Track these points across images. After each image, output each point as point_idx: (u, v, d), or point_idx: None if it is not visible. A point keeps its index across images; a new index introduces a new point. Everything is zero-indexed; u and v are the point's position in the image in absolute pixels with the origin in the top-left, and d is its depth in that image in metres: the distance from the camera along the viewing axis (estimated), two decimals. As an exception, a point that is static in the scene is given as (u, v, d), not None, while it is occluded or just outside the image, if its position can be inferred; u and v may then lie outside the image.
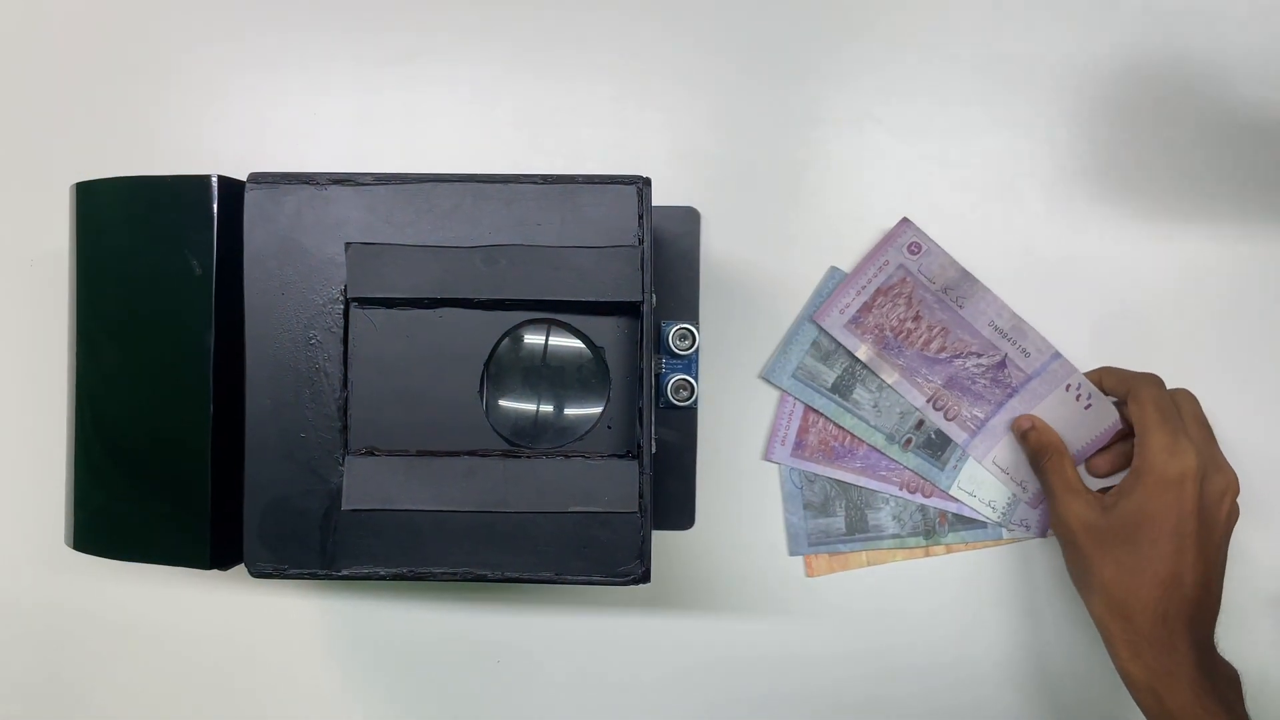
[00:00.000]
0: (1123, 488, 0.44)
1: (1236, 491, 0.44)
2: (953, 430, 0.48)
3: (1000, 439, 0.48)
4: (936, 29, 0.49)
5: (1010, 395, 0.48)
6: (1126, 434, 0.47)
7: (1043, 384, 0.48)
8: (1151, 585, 0.42)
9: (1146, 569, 0.42)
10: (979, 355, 0.48)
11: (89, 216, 0.43)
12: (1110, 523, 0.43)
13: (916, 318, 0.48)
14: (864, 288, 0.48)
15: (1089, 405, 0.47)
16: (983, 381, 0.48)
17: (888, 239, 0.48)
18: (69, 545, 0.44)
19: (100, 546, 0.43)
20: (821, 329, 0.48)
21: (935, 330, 0.48)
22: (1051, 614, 0.49)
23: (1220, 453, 0.45)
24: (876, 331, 0.48)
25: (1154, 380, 0.45)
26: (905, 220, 0.48)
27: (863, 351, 0.48)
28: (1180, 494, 0.42)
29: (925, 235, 0.48)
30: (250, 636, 0.51)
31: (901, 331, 0.48)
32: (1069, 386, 0.48)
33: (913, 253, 0.47)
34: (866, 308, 0.48)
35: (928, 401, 0.48)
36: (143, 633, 0.51)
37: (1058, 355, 0.48)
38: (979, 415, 0.48)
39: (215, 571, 0.42)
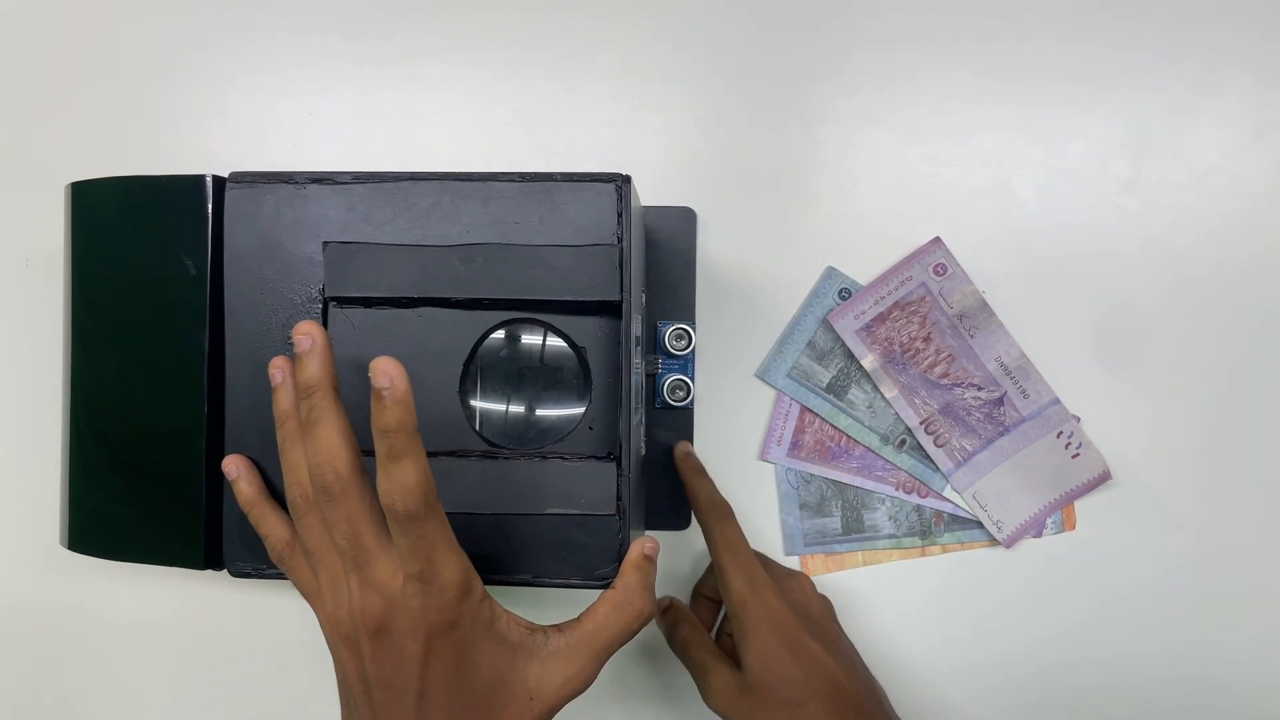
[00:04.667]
0: (736, 638, 0.43)
1: (812, 584, 0.46)
2: (939, 457, 0.48)
3: (984, 474, 0.48)
4: (934, 30, 0.49)
5: (1002, 433, 0.48)
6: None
7: (1035, 427, 0.48)
8: (822, 716, 0.41)
9: (807, 703, 0.41)
10: (979, 388, 0.48)
11: (84, 216, 0.43)
12: (753, 686, 0.42)
13: (927, 339, 0.48)
14: (883, 298, 0.48)
15: (1077, 454, 0.47)
16: (978, 415, 0.48)
17: (916, 255, 0.48)
18: (64, 545, 0.44)
19: (95, 547, 0.43)
20: (833, 330, 0.48)
21: (942, 355, 0.48)
22: (1048, 613, 0.49)
23: (779, 567, 0.48)
24: (886, 344, 0.48)
25: (719, 514, 0.45)
26: (937, 239, 0.48)
27: (869, 361, 0.48)
28: (778, 620, 0.42)
29: (953, 258, 0.47)
30: (245, 636, 0.51)
31: (910, 349, 0.48)
32: (1060, 433, 0.48)
33: (938, 274, 0.47)
34: (881, 318, 0.48)
35: (921, 424, 0.48)
36: (138, 633, 0.51)
37: (1056, 401, 0.48)
38: (968, 447, 0.48)
39: (210, 571, 0.42)
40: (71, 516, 0.44)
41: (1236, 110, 0.48)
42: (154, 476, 0.42)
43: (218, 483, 0.41)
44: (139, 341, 0.42)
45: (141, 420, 0.42)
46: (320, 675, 0.51)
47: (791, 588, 0.45)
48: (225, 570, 0.42)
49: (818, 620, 0.44)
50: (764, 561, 0.47)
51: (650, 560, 0.38)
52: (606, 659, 0.37)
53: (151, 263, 0.41)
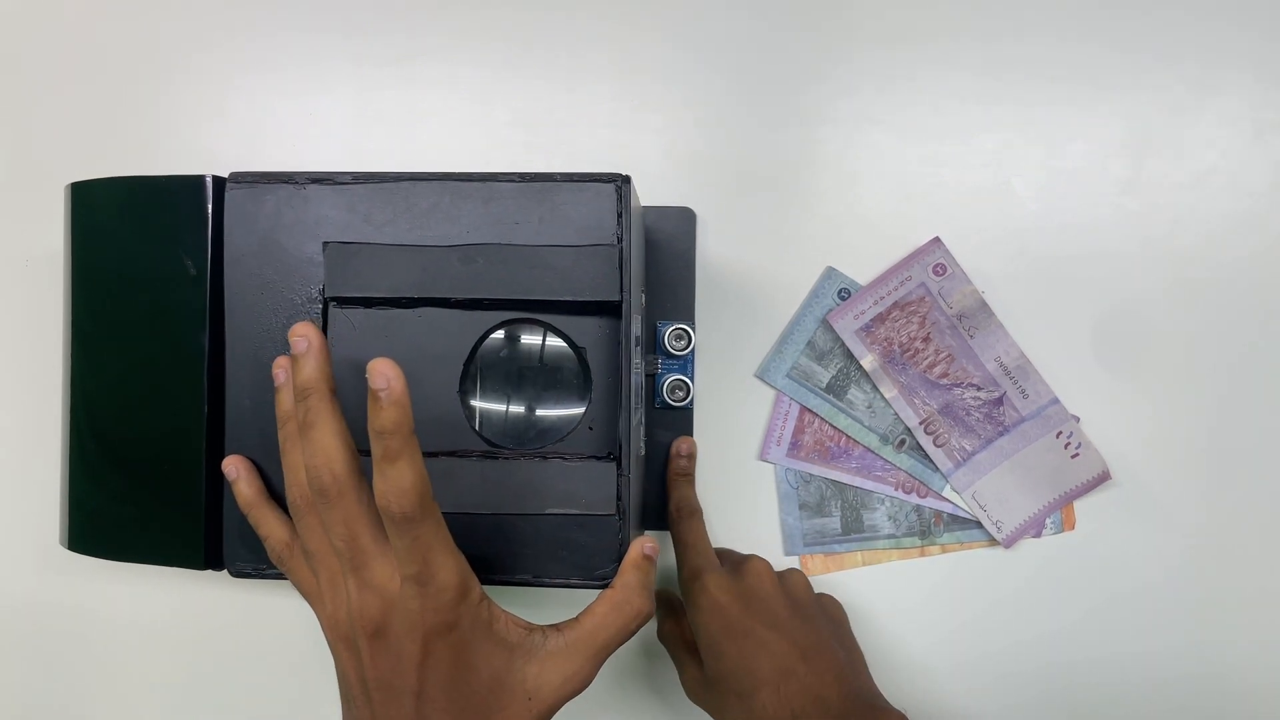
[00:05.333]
0: (693, 633, 0.44)
1: (767, 565, 0.45)
2: (939, 457, 0.48)
3: (983, 474, 0.48)
4: (934, 30, 0.49)
5: (1002, 434, 0.48)
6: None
7: (1035, 427, 0.48)
8: (771, 704, 0.41)
9: (755, 693, 0.41)
10: (979, 388, 0.48)
11: (84, 216, 0.43)
12: (710, 680, 0.43)
13: (926, 339, 0.48)
14: (883, 298, 0.48)
15: (1076, 454, 0.47)
16: (977, 415, 0.48)
17: (915, 255, 0.48)
18: (64, 546, 0.44)
19: (95, 547, 0.43)
20: (832, 330, 0.48)
21: (942, 355, 0.48)
22: (1047, 612, 0.49)
23: (734, 556, 0.47)
24: (885, 344, 0.48)
25: (685, 513, 0.46)
26: (936, 240, 0.48)
27: (868, 361, 0.48)
28: (719, 611, 0.42)
29: (953, 258, 0.47)
30: (245, 636, 0.51)
31: (909, 350, 0.48)
32: (1060, 433, 0.48)
33: (937, 274, 0.47)
34: (880, 319, 0.48)
35: (920, 424, 0.48)
36: (138, 633, 0.51)
37: (1055, 401, 0.48)
38: (967, 447, 0.48)
39: (210, 571, 0.42)
40: (71, 516, 0.44)
41: (1236, 110, 0.48)
42: (154, 476, 0.42)
43: (218, 483, 0.41)
44: (139, 341, 0.42)
45: (141, 420, 0.42)
46: (319, 675, 0.51)
47: (744, 573, 0.44)
48: (225, 570, 0.42)
49: (767, 603, 0.43)
50: (721, 554, 0.47)
51: (650, 560, 0.38)
52: (605, 658, 0.37)
53: (151, 263, 0.41)
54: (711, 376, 0.49)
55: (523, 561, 0.39)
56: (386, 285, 0.39)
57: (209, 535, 0.41)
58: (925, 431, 0.48)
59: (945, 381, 0.48)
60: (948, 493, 0.48)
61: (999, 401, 0.48)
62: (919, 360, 0.48)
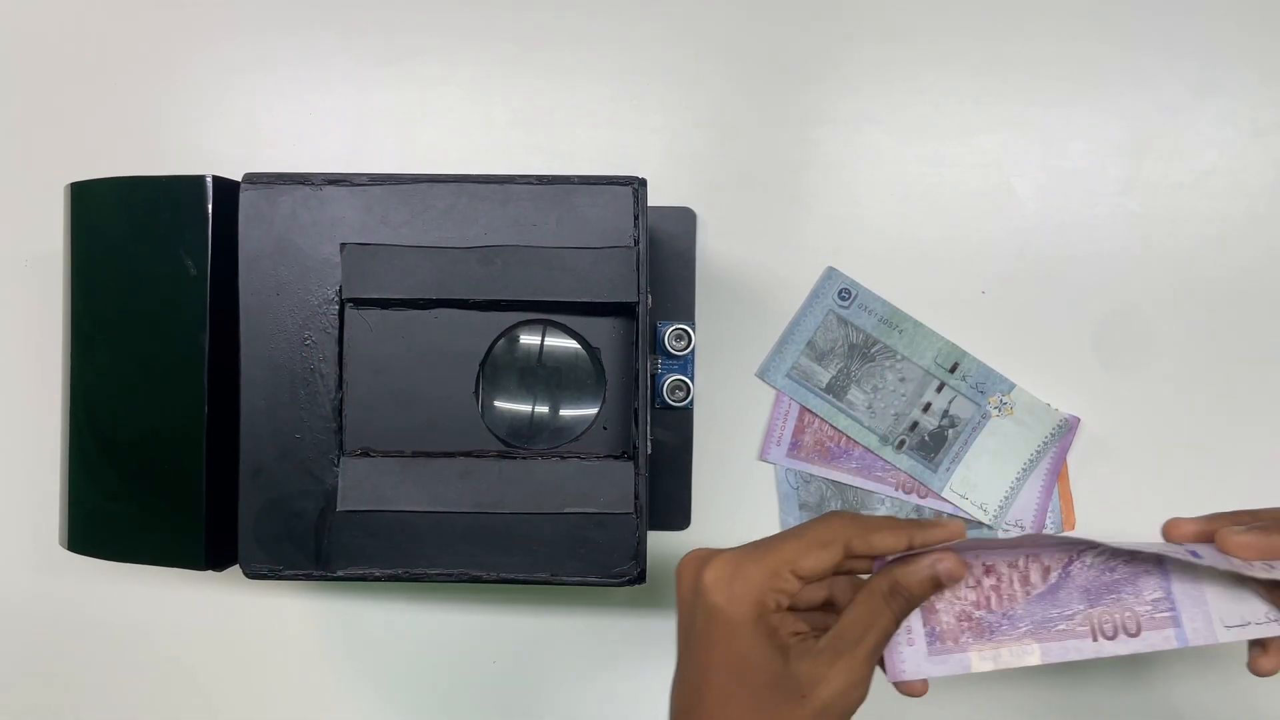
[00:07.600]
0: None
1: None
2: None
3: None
4: (934, 29, 0.49)
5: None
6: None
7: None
8: None
9: None
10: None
11: (84, 216, 0.43)
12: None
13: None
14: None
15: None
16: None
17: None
18: (64, 546, 0.44)
19: (95, 547, 0.43)
20: (833, 330, 0.48)
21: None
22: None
23: None
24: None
25: None
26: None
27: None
28: None
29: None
30: (245, 637, 0.51)
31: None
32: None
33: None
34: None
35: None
36: (138, 634, 0.51)
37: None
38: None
39: (210, 572, 0.42)
40: (71, 516, 0.44)
41: (1236, 110, 0.48)
42: (154, 477, 0.42)
43: (218, 483, 0.41)
44: (139, 341, 0.41)
45: (141, 420, 0.42)
46: (319, 676, 0.51)
47: None
48: (224, 571, 0.42)
49: None
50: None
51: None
52: None
53: (151, 263, 0.41)
54: (711, 376, 0.49)
55: (540, 560, 0.39)
56: (405, 286, 0.39)
57: (209, 535, 0.41)
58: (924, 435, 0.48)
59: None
60: (947, 493, 0.49)
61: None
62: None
